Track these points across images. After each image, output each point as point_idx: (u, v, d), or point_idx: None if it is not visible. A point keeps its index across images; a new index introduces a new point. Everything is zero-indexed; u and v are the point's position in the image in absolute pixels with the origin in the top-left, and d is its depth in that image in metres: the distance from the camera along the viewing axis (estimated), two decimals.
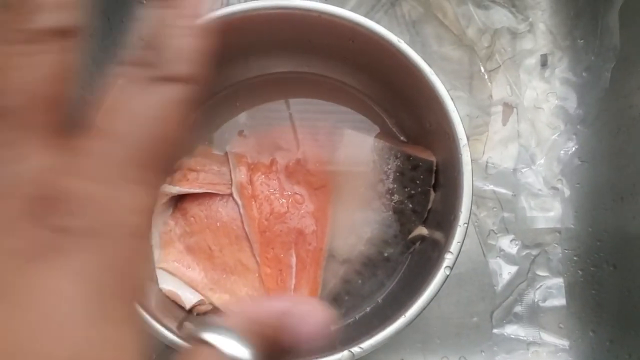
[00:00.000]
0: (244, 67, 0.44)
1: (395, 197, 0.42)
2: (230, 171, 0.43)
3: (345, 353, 0.32)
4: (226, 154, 0.44)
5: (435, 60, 0.51)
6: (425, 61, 0.36)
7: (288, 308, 0.19)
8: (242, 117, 0.45)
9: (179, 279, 0.41)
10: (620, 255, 0.44)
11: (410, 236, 0.42)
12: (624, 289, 0.43)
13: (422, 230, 0.42)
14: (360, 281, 0.42)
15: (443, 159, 0.39)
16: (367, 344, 0.32)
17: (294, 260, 0.42)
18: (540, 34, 0.52)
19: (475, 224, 0.48)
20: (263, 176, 0.42)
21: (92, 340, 0.14)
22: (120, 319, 0.15)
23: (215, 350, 0.17)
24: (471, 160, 0.49)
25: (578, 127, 0.48)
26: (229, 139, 0.44)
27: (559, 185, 0.48)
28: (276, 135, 0.44)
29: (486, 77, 0.51)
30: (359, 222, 0.43)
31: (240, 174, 0.42)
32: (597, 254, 0.46)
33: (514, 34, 0.52)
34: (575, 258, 0.47)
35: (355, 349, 0.32)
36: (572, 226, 0.47)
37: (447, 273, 0.33)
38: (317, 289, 0.41)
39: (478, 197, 0.48)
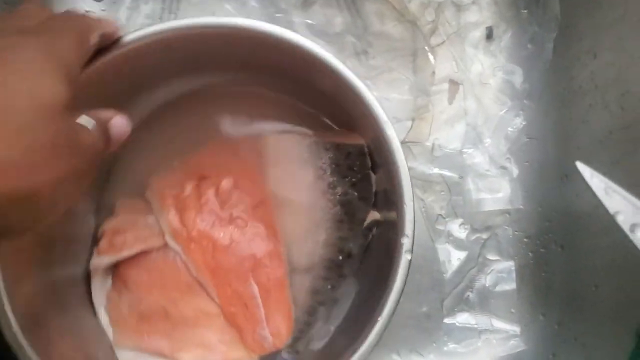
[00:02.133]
0: (151, 94, 0.41)
1: (339, 190, 0.40)
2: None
3: None
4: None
5: (377, 40, 0.49)
6: (323, 49, 0.34)
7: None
8: (160, 148, 0.42)
9: (143, 352, 0.38)
10: (567, 235, 0.42)
11: (365, 224, 0.40)
12: (571, 270, 0.41)
13: (375, 215, 0.39)
14: (329, 287, 0.40)
15: (372, 139, 0.37)
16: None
17: (255, 289, 0.38)
18: (485, 5, 0.49)
19: (423, 209, 0.46)
20: (194, 212, 0.39)
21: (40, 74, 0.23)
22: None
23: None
24: (416, 142, 0.47)
25: (525, 102, 0.46)
26: (148, 179, 0.41)
27: (507, 164, 0.46)
28: (200, 161, 0.41)
29: (429, 53, 0.48)
30: (310, 226, 0.41)
31: (169, 218, 0.39)
32: (547, 234, 0.44)
33: (458, 7, 0.49)
34: (525, 240, 0.45)
35: None
36: (521, 207, 0.45)
37: (409, 257, 0.32)
38: (289, 310, 0.38)
39: (425, 182, 0.46)
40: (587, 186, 0.29)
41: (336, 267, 0.39)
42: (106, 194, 0.41)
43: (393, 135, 0.33)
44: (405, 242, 0.32)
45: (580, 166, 0.28)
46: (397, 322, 0.45)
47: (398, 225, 0.32)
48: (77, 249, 0.39)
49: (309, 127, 0.42)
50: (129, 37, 0.33)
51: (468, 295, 0.45)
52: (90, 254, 0.39)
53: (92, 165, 0.26)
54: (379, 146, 0.35)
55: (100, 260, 0.38)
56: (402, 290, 0.31)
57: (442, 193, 0.46)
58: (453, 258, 0.45)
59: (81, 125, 0.26)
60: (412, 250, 0.32)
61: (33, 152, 0.22)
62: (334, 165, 0.40)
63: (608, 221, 0.27)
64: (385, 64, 0.48)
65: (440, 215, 0.46)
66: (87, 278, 0.39)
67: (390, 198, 0.35)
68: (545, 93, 0.45)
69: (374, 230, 0.40)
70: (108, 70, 0.33)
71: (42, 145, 0.22)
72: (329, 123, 0.42)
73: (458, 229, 0.46)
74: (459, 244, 0.45)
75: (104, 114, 0.28)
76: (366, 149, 0.39)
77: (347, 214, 0.40)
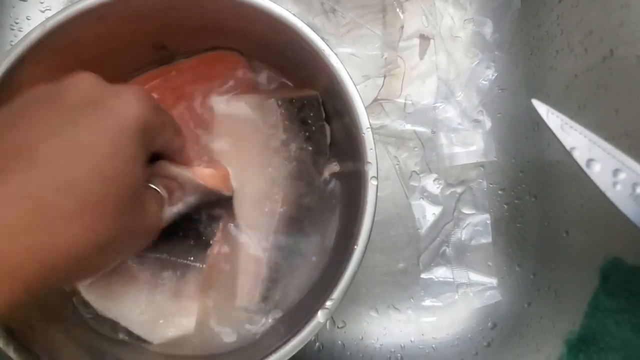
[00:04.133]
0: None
1: (293, 146, 0.40)
2: None
3: (319, 313, 0.31)
4: None
5: None
6: None
7: None
8: None
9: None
10: (539, 185, 0.42)
11: (323, 178, 0.40)
12: (543, 220, 0.41)
13: (334, 168, 0.39)
14: (291, 241, 0.40)
15: (324, 87, 0.37)
16: (336, 293, 0.31)
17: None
18: None
19: (397, 166, 0.46)
20: None
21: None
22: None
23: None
24: (388, 99, 0.47)
25: (496, 53, 0.46)
26: None
27: (480, 117, 0.46)
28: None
29: (398, 9, 0.47)
30: (266, 187, 0.40)
31: None
32: (520, 185, 0.44)
33: None
34: (500, 192, 0.45)
35: (328, 304, 0.31)
36: (495, 159, 0.45)
37: (375, 183, 0.32)
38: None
39: (398, 139, 0.46)
40: None
41: (298, 222, 0.39)
42: None
43: (340, 67, 0.33)
44: (369, 168, 0.32)
45: (536, 103, 0.28)
46: (373, 279, 0.45)
47: (360, 155, 0.33)
48: None
49: (265, 86, 0.42)
50: (82, 4, 0.33)
51: (444, 250, 0.45)
52: None
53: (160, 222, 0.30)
54: (331, 88, 0.35)
55: None
56: (373, 218, 0.31)
57: (416, 149, 0.46)
58: (428, 213, 0.45)
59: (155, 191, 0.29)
60: (377, 178, 0.32)
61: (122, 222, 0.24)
62: (286, 122, 0.40)
63: (577, 167, 0.27)
64: (355, 20, 0.47)
65: (415, 171, 0.46)
66: None
67: (348, 140, 0.35)
68: (514, 42, 0.44)
69: (333, 182, 0.40)
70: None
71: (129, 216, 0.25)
72: (286, 82, 0.42)
73: (432, 185, 0.45)
74: (433, 199, 0.45)
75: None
76: (319, 99, 0.39)
77: (304, 170, 0.40)
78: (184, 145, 0.33)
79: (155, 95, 0.41)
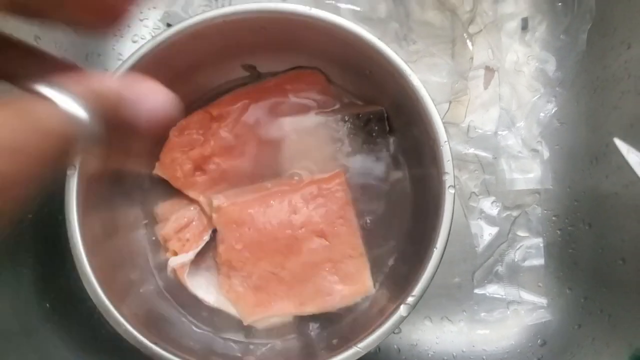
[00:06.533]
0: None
1: (358, 157, 0.45)
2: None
3: (402, 307, 0.34)
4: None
5: (419, 27, 0.52)
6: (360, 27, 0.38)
7: (128, 84, 0.21)
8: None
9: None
10: (595, 215, 0.45)
11: (388, 184, 0.44)
12: (598, 247, 0.44)
13: (397, 174, 0.44)
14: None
15: (392, 103, 0.42)
16: (417, 289, 0.35)
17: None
18: None
19: (457, 186, 0.49)
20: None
21: None
22: None
23: (50, 102, 0.18)
24: (453, 123, 0.50)
25: (557, 89, 0.49)
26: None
27: (539, 147, 0.49)
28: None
29: (468, 41, 0.51)
30: None
31: (200, 200, 0.44)
32: (575, 213, 0.47)
33: None
34: (554, 218, 0.48)
35: (409, 300, 0.35)
36: (550, 187, 0.48)
37: (452, 192, 0.35)
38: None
39: (460, 161, 0.49)
40: (618, 167, 0.32)
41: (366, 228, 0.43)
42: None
43: (419, 84, 0.37)
44: (447, 178, 0.35)
45: (618, 142, 0.31)
46: (429, 290, 0.47)
47: (437, 165, 0.36)
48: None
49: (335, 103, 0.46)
50: (191, 20, 0.38)
51: (498, 269, 0.48)
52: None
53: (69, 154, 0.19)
54: (404, 102, 0.39)
55: (182, 259, 0.42)
56: (451, 223, 0.35)
57: (476, 172, 0.49)
58: (485, 233, 0.48)
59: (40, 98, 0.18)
60: (454, 187, 0.35)
61: None
62: (352, 136, 0.44)
63: (637, 199, 0.30)
64: (426, 49, 0.51)
65: (474, 192, 0.49)
66: None
67: (421, 153, 0.39)
68: (577, 81, 0.48)
69: (398, 188, 0.44)
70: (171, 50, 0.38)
71: None
72: (355, 97, 0.46)
73: (490, 206, 0.49)
74: (490, 220, 0.48)
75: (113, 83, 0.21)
76: (385, 114, 0.43)
77: (370, 178, 0.44)
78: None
79: (242, 113, 0.45)
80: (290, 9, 0.39)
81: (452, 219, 0.35)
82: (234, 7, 0.39)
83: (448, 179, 0.35)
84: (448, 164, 0.36)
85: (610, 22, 0.45)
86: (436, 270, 0.34)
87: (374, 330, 0.34)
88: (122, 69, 0.37)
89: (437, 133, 0.36)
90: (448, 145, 0.36)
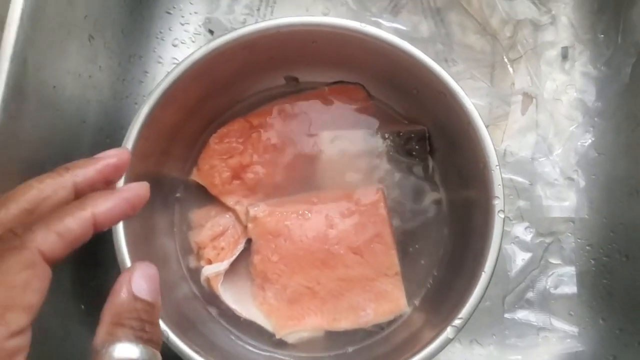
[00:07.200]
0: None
1: (397, 176, 0.44)
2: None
3: (449, 329, 0.35)
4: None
5: (459, 49, 0.52)
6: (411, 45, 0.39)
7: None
8: None
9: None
10: (633, 247, 0.45)
11: (425, 205, 0.44)
12: (635, 279, 0.44)
13: (435, 195, 0.45)
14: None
15: (435, 124, 0.42)
16: (465, 312, 0.35)
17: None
18: (562, 26, 0.52)
19: None
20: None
21: None
22: None
23: None
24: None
25: (596, 119, 0.49)
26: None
27: (575, 176, 0.49)
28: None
29: (508, 66, 0.51)
30: None
31: (236, 208, 0.44)
32: (610, 244, 0.47)
33: (536, 26, 0.52)
34: (588, 247, 0.48)
35: (456, 322, 0.35)
36: (586, 216, 0.48)
37: (502, 217, 0.35)
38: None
39: None
40: None
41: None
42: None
43: (469, 101, 0.38)
44: (497, 202, 0.35)
45: None
46: None
47: (487, 189, 0.36)
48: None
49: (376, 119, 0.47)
50: (245, 29, 0.38)
51: (529, 294, 0.48)
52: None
53: None
54: (451, 120, 0.39)
55: (216, 268, 0.42)
56: (500, 248, 0.35)
57: (511, 197, 0.49)
58: (517, 258, 0.48)
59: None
60: (504, 211, 0.35)
61: None
62: (391, 154, 0.45)
63: None
64: (467, 71, 0.51)
65: (508, 217, 0.49)
66: None
67: (465, 176, 0.39)
68: (618, 113, 0.48)
69: (434, 209, 0.44)
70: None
71: None
72: (396, 117, 0.47)
73: (524, 232, 0.49)
74: (523, 246, 0.48)
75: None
76: (427, 133, 0.44)
77: (407, 197, 0.45)
78: None
79: (283, 124, 0.46)
80: (343, 24, 0.39)
81: (500, 244, 0.35)
82: (290, 19, 0.39)
83: (498, 204, 0.35)
84: (498, 189, 0.36)
85: None
86: (484, 294, 0.34)
87: (418, 351, 0.33)
88: (173, 73, 0.38)
89: (489, 157, 0.36)
90: (499, 170, 0.36)
